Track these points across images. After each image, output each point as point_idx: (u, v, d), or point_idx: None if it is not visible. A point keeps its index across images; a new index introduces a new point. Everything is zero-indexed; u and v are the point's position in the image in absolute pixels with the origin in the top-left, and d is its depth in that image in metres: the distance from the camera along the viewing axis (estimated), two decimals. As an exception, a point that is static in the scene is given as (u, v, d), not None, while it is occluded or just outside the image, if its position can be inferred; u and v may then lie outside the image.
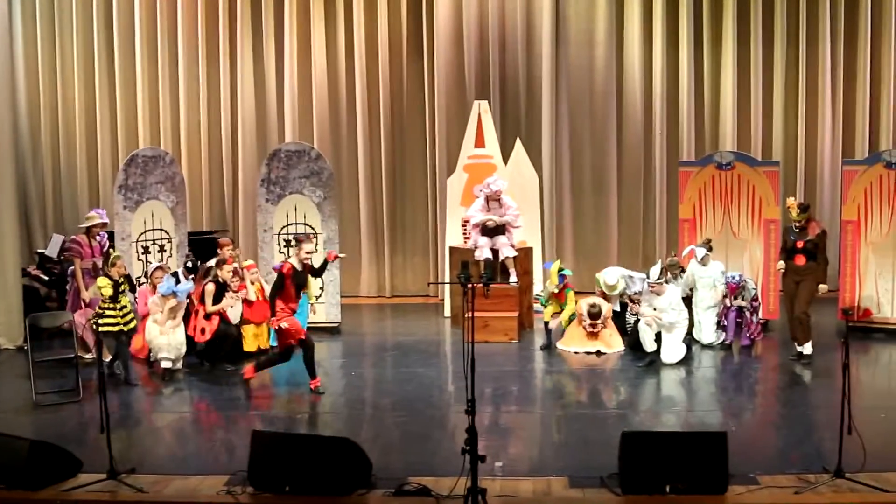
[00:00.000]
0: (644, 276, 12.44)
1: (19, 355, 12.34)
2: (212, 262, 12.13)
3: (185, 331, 11.62)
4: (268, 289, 12.64)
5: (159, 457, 8.67)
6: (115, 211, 13.01)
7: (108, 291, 10.82)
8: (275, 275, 12.73)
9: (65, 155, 17.06)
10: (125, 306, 11.02)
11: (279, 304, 10.43)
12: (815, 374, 11.05)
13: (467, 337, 7.42)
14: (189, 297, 11.76)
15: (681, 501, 7.22)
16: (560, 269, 12.62)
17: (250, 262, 12.84)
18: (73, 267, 11.90)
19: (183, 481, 7.87)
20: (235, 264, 12.18)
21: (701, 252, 12.33)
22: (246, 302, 12.21)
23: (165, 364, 11.31)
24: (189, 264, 12.82)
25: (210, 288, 11.68)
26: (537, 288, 14.12)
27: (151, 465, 8.30)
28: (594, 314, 12.18)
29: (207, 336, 11.59)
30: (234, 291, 11.94)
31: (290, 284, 10.46)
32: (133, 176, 13.10)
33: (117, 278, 10.91)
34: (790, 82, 16.12)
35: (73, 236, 12.20)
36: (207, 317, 11.64)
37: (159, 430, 9.58)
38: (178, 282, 11.98)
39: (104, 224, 12.16)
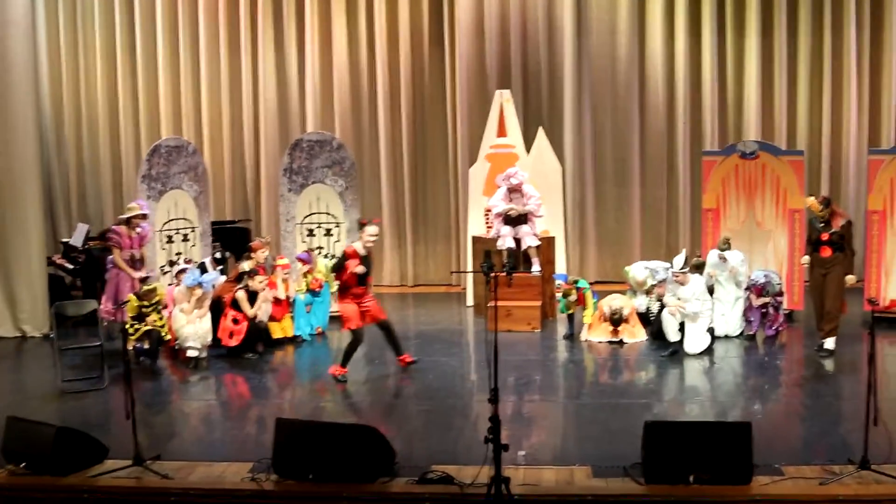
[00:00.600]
0: (667, 265, 12.40)
1: (45, 343, 12.44)
2: (244, 267, 12.16)
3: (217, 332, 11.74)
4: (293, 288, 12.73)
5: (184, 444, 8.72)
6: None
7: (132, 312, 11.00)
8: (299, 264, 12.91)
9: (88, 145, 17.18)
10: (154, 320, 11.22)
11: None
12: (840, 364, 10.98)
13: (490, 326, 7.41)
14: (219, 298, 11.82)
15: (704, 492, 7.20)
16: (575, 282, 12.54)
17: (285, 261, 12.84)
18: (112, 255, 11.87)
19: (207, 468, 7.91)
20: (265, 255, 12.24)
21: (735, 256, 12.20)
22: (274, 300, 12.32)
23: (191, 353, 11.37)
24: (217, 255, 12.89)
25: (241, 295, 11.73)
26: (559, 279, 14.11)
27: (176, 451, 8.35)
28: (616, 321, 12.16)
29: (236, 342, 11.64)
30: (262, 290, 12.01)
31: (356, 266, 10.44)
32: (156, 166, 13.15)
33: (147, 307, 11.11)
34: (815, 70, 16.00)
35: (112, 226, 12.20)
36: (235, 321, 11.70)
37: (184, 417, 9.65)
38: (203, 272, 12.04)
39: (145, 215, 12.17)
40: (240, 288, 11.85)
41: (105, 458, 8.01)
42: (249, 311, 11.65)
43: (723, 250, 12.23)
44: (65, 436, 7.83)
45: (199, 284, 11.52)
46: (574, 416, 9.47)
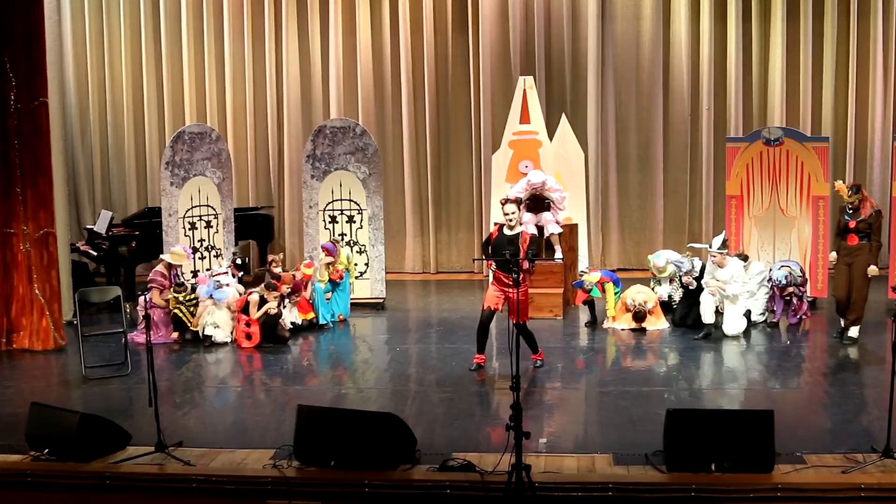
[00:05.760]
0: (682, 260, 12.35)
1: (69, 330, 12.48)
2: (267, 275, 12.30)
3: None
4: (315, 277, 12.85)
5: (207, 430, 8.75)
6: (163, 187, 13.12)
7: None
8: (322, 254, 12.95)
9: (112, 132, 17.25)
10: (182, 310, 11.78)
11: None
12: (863, 352, 10.92)
13: (512, 314, 7.39)
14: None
15: (726, 480, 7.18)
16: (589, 291, 12.41)
17: (310, 270, 12.85)
18: (150, 294, 11.83)
19: (230, 454, 7.95)
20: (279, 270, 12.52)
21: (755, 267, 12.16)
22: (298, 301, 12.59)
23: (209, 331, 11.72)
24: (238, 261, 13.02)
25: (255, 298, 11.78)
26: (582, 265, 14.07)
27: (199, 438, 8.39)
28: (640, 318, 12.10)
29: (254, 342, 11.69)
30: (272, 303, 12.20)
31: (491, 247, 10.27)
32: (180, 152, 13.19)
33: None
34: (840, 56, 15.84)
35: (156, 269, 12.22)
36: (248, 324, 11.78)
37: (207, 404, 9.69)
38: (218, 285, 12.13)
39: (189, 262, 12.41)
40: (253, 292, 11.97)
41: (128, 445, 8.06)
42: (254, 315, 11.70)
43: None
44: (88, 422, 7.88)
45: (211, 297, 11.84)
46: (595, 403, 9.45)
